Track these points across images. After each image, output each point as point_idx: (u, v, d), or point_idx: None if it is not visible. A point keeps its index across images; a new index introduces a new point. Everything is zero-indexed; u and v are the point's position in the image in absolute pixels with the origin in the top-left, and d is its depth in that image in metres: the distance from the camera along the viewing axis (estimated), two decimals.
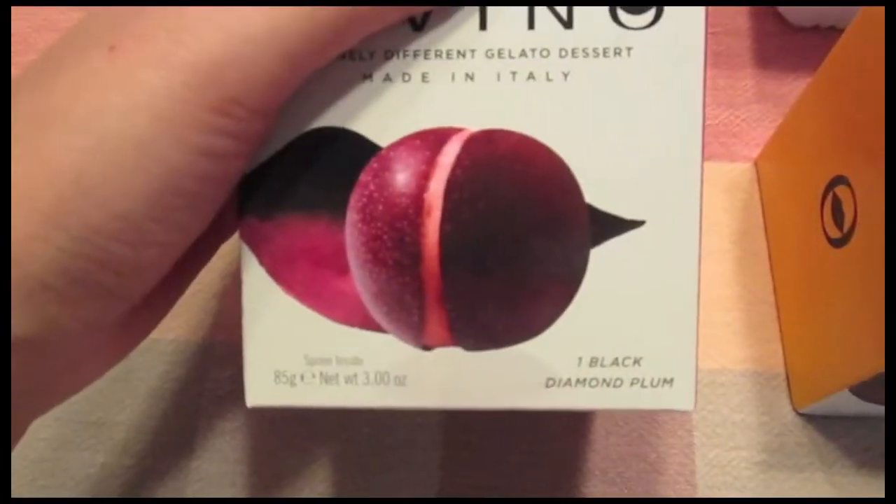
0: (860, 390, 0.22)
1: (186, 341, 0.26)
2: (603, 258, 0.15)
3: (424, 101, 0.15)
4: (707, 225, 0.15)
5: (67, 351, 0.15)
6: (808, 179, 0.24)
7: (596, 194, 0.15)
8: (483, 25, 0.15)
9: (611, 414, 0.25)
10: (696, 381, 0.16)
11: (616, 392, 0.16)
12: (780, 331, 0.26)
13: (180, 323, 0.26)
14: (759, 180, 0.28)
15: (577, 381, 0.16)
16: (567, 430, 0.25)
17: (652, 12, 0.15)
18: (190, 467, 0.24)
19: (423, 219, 0.15)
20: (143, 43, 0.13)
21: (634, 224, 0.15)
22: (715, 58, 0.30)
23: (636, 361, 0.16)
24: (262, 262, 0.16)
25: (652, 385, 0.16)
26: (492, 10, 0.15)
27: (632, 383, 0.16)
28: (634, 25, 0.15)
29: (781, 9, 0.30)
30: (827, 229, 0.23)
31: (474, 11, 0.15)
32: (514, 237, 0.15)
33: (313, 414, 0.25)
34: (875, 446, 0.24)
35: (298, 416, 0.25)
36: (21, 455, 0.25)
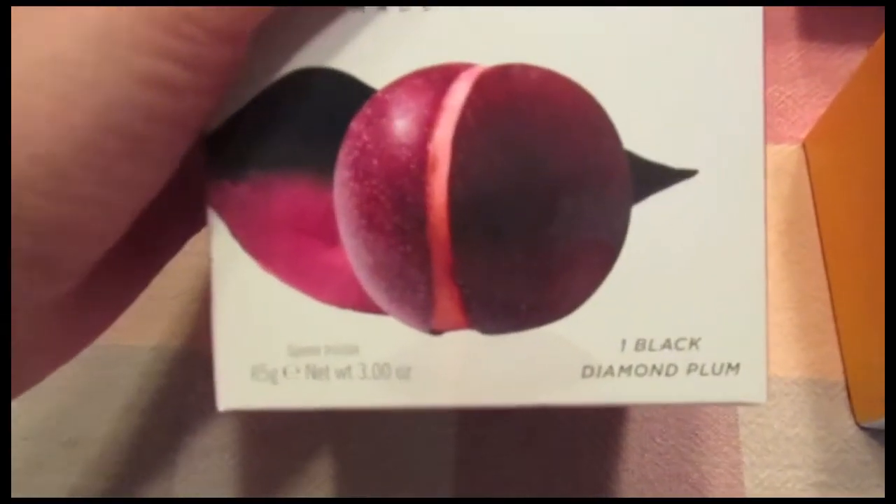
0: None
1: (168, 349, 0.24)
2: (646, 217, 0.13)
3: (426, 33, 0.13)
4: None
5: None
6: (867, 164, 0.22)
7: (636, 139, 0.13)
8: None
9: (646, 428, 0.23)
10: (768, 368, 0.13)
11: (669, 382, 0.13)
12: (838, 334, 0.24)
13: (161, 329, 0.24)
14: (808, 164, 0.26)
15: (621, 368, 0.13)
16: (594, 447, 0.22)
17: None
18: (173, 490, 0.22)
19: (427, 175, 0.13)
20: None
21: (684, 174, 0.13)
22: None
23: (693, 343, 0.13)
24: (234, 234, 0.13)
25: (714, 372, 0.13)
26: None
27: (689, 370, 0.13)
28: None
29: None
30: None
31: None
32: (538, 194, 0.13)
33: (307, 428, 0.23)
34: None
35: (291, 430, 0.23)
36: None
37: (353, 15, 0.13)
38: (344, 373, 0.13)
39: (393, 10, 0.13)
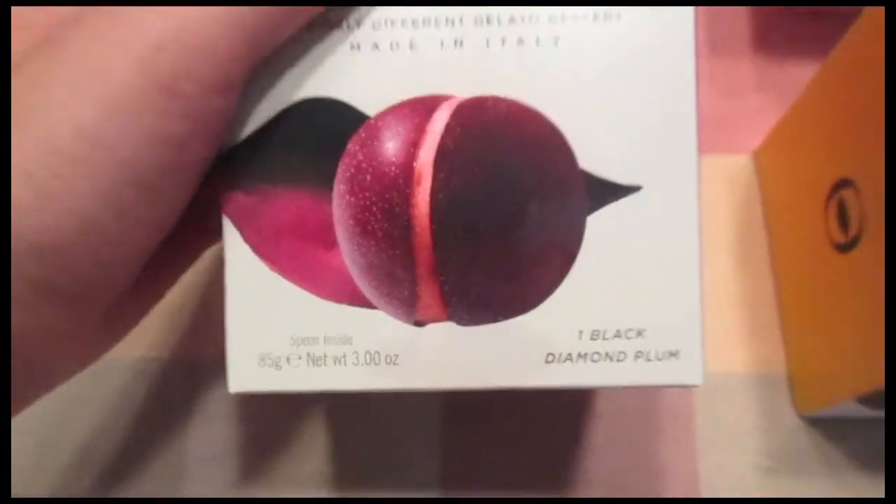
0: (866, 400, 0.21)
1: (172, 360, 0.25)
2: (600, 225, 0.15)
3: (413, 69, 0.15)
4: (704, 220, 0.15)
5: (32, 352, 0.14)
6: (813, 178, 0.23)
7: (590, 160, 0.15)
8: None
9: (612, 421, 0.24)
10: (705, 354, 0.15)
11: (619, 367, 0.15)
12: (783, 332, 0.25)
13: (168, 339, 0.25)
14: (759, 173, 0.27)
15: (579, 355, 0.15)
16: (568, 439, 0.24)
17: None
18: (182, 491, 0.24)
19: (413, 188, 0.15)
20: (82, 31, 0.13)
21: (631, 189, 0.15)
22: (712, 43, 0.29)
23: (639, 333, 0.15)
24: (246, 239, 0.15)
25: (657, 358, 0.15)
26: None
27: (636, 357, 0.15)
28: None
29: None
30: (832, 233, 0.22)
31: None
32: (508, 203, 0.15)
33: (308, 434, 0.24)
34: (882, 450, 0.24)
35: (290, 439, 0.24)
36: None
37: (350, 53, 0.15)
38: (339, 360, 0.15)
39: (385, 50, 0.15)
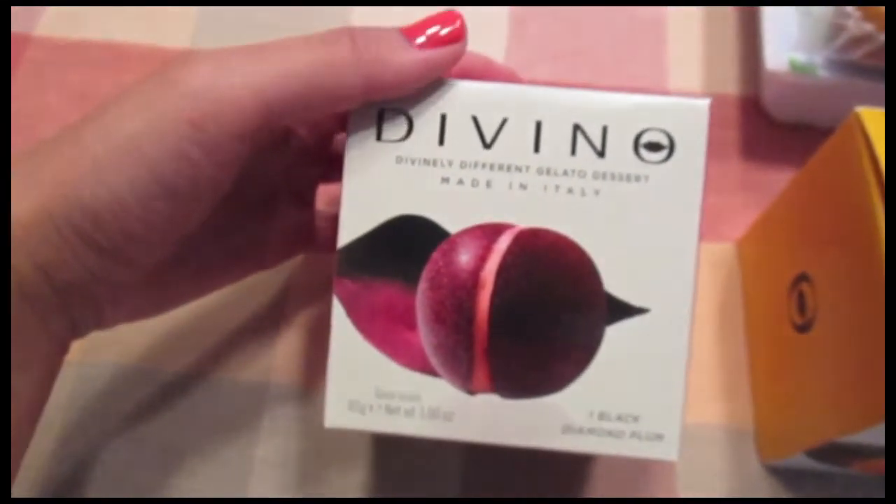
0: (814, 454, 0.25)
1: (243, 382, 0.29)
2: (614, 335, 0.20)
3: (487, 201, 0.20)
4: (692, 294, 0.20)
5: (83, 292, 0.19)
6: (780, 269, 0.28)
7: (613, 284, 0.20)
8: (537, 149, 0.20)
9: (610, 460, 0.28)
10: (681, 438, 0.20)
11: (618, 441, 0.20)
12: (752, 394, 0.29)
13: (239, 363, 0.30)
14: (740, 259, 0.32)
15: (589, 430, 0.20)
16: (572, 474, 0.28)
17: (665, 152, 0.20)
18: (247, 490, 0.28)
19: (478, 291, 0.20)
20: (165, 73, 0.19)
21: (641, 311, 0.20)
22: (707, 149, 0.34)
23: (635, 419, 0.20)
24: (349, 315, 0.20)
25: (647, 438, 0.20)
26: (544, 137, 0.20)
27: (631, 436, 0.20)
28: (651, 160, 0.20)
29: (766, 105, 0.34)
30: (792, 315, 0.26)
31: (531, 137, 0.20)
32: (548, 311, 0.20)
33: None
34: (828, 496, 0.27)
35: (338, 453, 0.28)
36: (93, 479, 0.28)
37: (441, 185, 0.20)
38: (409, 412, 0.20)
39: (467, 185, 0.20)
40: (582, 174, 0.20)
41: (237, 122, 0.18)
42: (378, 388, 0.20)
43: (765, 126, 0.34)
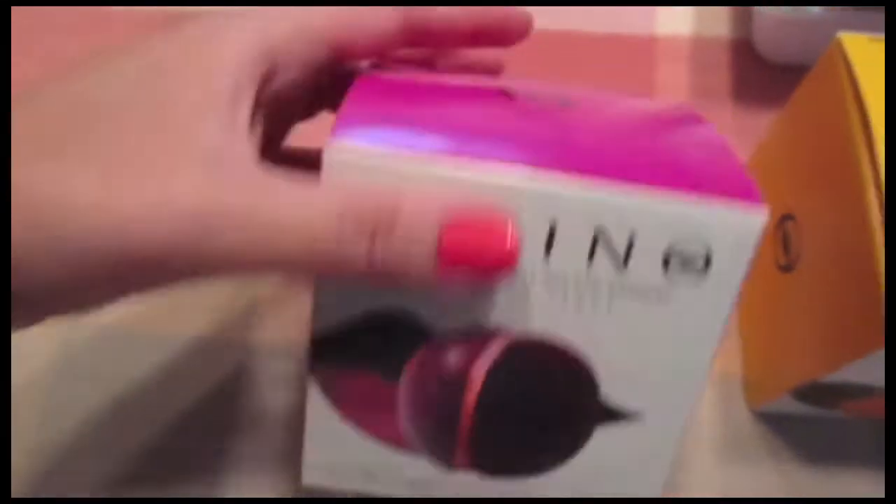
0: (800, 394, 0.25)
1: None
2: (600, 435, 0.19)
3: (485, 302, 0.18)
4: None
5: None
6: (775, 203, 0.26)
7: (610, 394, 0.19)
8: (548, 251, 0.17)
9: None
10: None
11: None
12: (740, 338, 0.29)
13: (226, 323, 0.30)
14: None
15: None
16: None
17: (698, 272, 0.17)
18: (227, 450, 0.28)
19: (466, 389, 0.19)
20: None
21: (633, 416, 0.19)
22: (697, 91, 0.33)
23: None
24: (326, 395, 0.19)
25: None
26: (559, 238, 0.17)
27: None
28: (680, 280, 0.17)
29: (757, 45, 0.32)
30: (777, 256, 0.26)
31: (542, 241, 0.17)
32: (533, 416, 0.19)
33: None
34: (817, 441, 0.28)
35: None
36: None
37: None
38: (389, 481, 0.20)
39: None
40: (597, 286, 0.17)
41: (306, 50, 0.18)
42: (357, 460, 0.20)
43: (757, 68, 0.33)
